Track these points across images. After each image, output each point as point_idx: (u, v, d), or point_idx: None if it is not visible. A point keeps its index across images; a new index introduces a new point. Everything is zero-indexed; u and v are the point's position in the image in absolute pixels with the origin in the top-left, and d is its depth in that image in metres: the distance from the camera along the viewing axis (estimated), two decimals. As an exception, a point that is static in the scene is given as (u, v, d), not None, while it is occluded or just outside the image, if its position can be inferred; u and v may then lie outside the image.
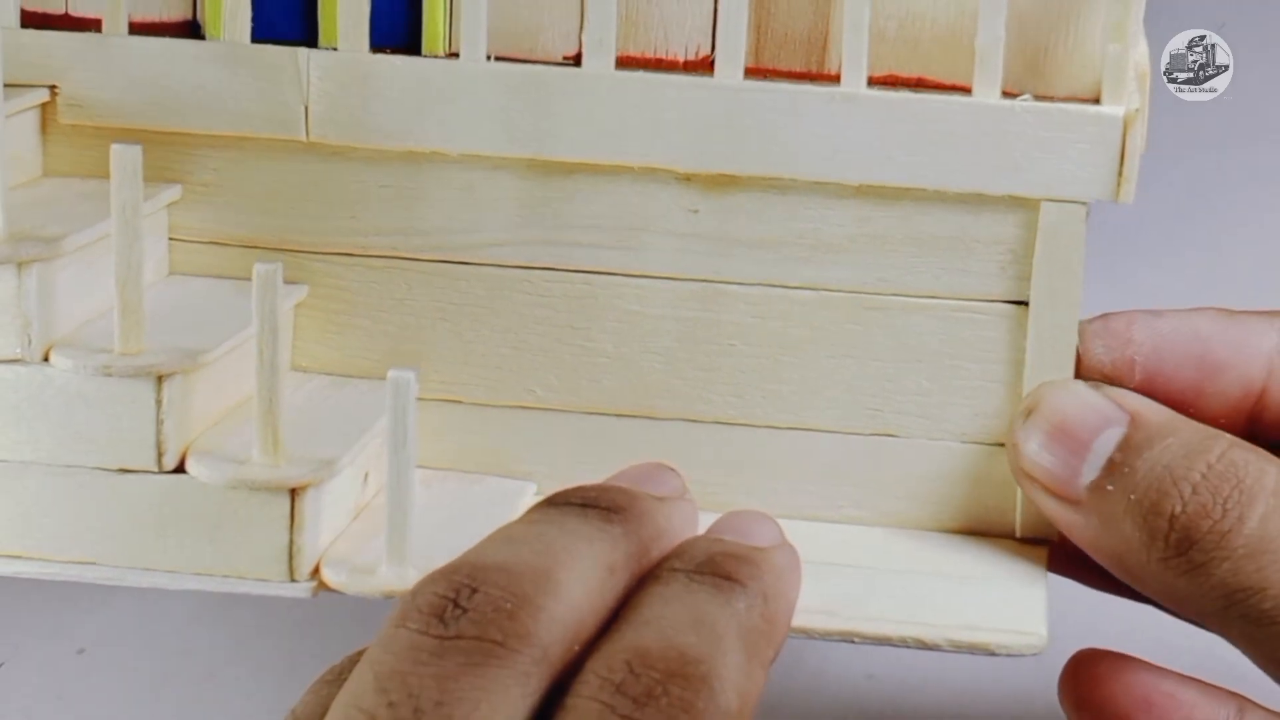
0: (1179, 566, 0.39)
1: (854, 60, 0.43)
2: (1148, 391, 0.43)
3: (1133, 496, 0.40)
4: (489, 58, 0.44)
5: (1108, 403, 0.42)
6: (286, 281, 0.42)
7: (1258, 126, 0.66)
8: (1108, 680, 0.42)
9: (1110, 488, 0.40)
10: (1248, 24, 0.62)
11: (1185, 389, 0.43)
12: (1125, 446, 0.41)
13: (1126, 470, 0.40)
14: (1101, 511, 0.41)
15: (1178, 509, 0.39)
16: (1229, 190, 0.66)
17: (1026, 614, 0.42)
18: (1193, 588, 0.39)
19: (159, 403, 0.41)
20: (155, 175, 0.44)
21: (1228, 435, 0.41)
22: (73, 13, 0.45)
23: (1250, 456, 0.40)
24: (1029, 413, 0.43)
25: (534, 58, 0.44)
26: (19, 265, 0.41)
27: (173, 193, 0.45)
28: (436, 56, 0.44)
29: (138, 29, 0.45)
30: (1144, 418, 0.41)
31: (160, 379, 0.41)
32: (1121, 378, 0.43)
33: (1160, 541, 0.40)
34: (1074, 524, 0.41)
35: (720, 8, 0.43)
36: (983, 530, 0.45)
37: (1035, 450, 0.42)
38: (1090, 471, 0.41)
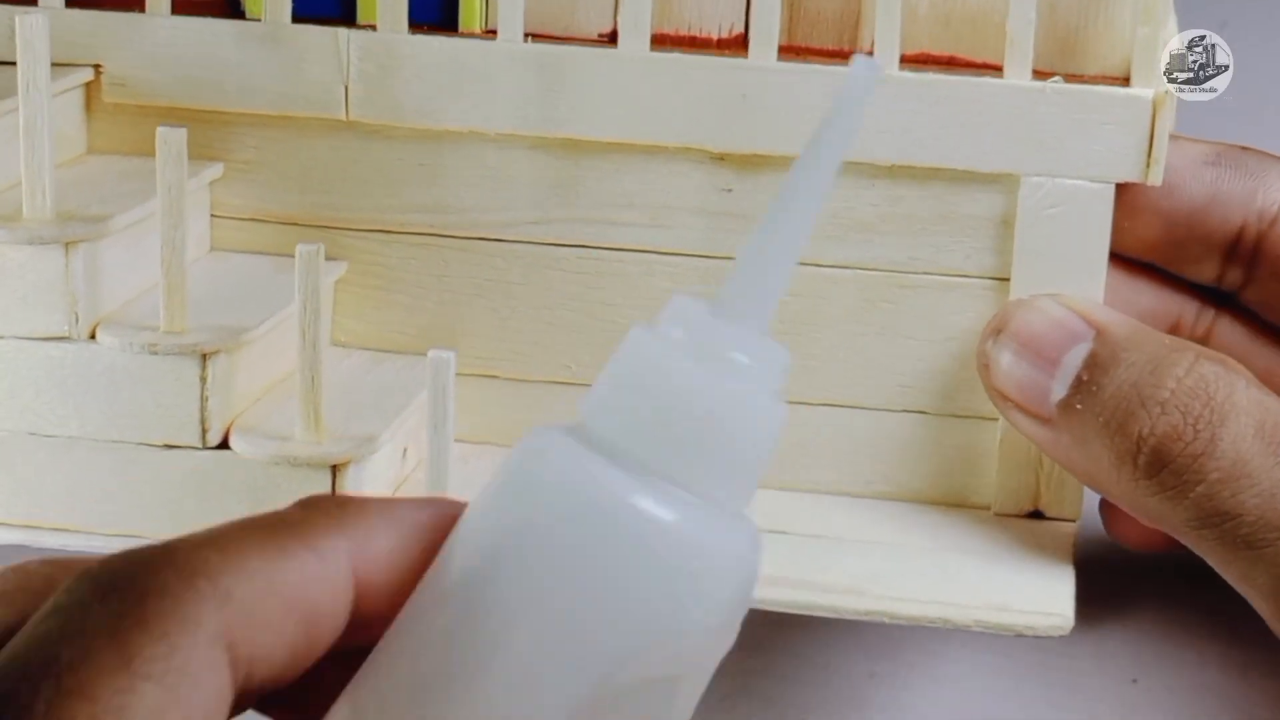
0: (1150, 489, 0.39)
1: (887, 41, 0.43)
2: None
3: (1101, 417, 0.40)
4: (526, 36, 0.44)
5: (1074, 317, 0.41)
6: (326, 258, 0.42)
7: (1258, 126, 0.67)
8: None
9: (1079, 406, 0.40)
10: (1248, 24, 0.62)
11: None
12: (1092, 363, 0.40)
13: (1094, 388, 0.40)
14: (1072, 430, 0.40)
15: (1146, 430, 0.39)
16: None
17: (1053, 595, 0.42)
18: (1166, 509, 0.39)
19: (203, 380, 0.42)
20: (198, 153, 0.44)
21: (1194, 346, 0.40)
22: (116, -7, 0.45)
23: (1219, 370, 0.39)
24: (998, 331, 0.42)
25: (570, 35, 0.45)
26: (66, 245, 0.42)
27: (214, 170, 0.45)
28: (474, 34, 0.45)
29: (180, 9, 0.45)
30: (1110, 331, 0.41)
31: (205, 357, 0.42)
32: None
33: (1129, 464, 0.39)
34: (1047, 441, 0.41)
35: None
36: (1008, 508, 0.45)
37: (1006, 368, 0.42)
38: (1060, 389, 0.41)
